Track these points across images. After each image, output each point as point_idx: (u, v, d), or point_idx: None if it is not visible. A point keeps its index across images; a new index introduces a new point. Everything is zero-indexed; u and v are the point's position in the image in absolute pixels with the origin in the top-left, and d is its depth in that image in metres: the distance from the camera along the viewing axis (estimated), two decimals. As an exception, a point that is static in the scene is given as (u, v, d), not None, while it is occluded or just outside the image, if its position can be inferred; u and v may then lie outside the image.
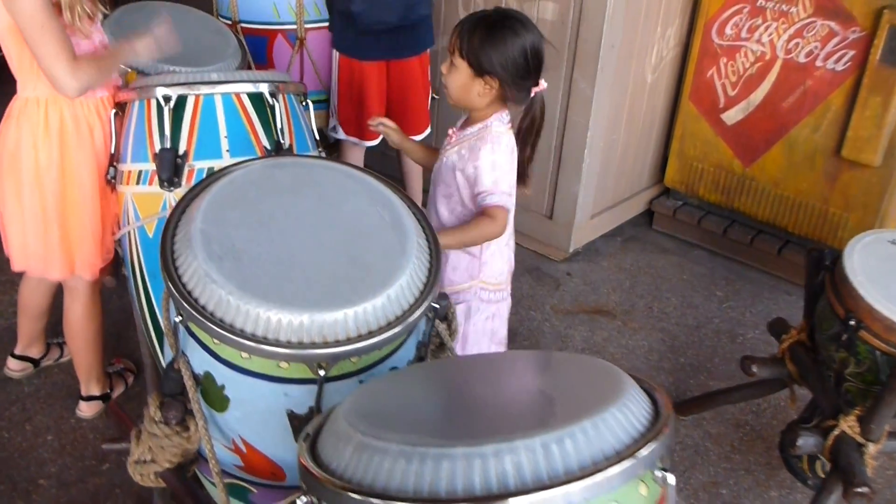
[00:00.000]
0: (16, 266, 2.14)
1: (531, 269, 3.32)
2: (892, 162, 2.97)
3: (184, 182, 1.86)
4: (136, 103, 1.93)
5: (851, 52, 2.94)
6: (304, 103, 2.09)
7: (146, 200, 1.91)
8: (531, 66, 1.87)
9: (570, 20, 2.99)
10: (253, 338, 1.23)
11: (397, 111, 2.94)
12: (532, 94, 1.90)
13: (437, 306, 1.37)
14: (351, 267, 1.33)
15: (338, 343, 1.24)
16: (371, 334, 1.26)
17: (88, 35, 1.97)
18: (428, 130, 3.12)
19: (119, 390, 2.46)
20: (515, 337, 2.89)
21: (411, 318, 1.30)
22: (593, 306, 3.11)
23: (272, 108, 1.92)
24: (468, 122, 1.99)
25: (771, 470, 2.41)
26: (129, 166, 1.93)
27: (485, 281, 2.04)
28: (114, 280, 2.07)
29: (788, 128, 3.18)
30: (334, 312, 1.24)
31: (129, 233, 1.96)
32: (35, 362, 2.52)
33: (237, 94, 1.89)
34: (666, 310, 3.13)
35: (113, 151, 2.04)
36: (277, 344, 1.22)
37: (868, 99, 2.91)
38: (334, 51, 2.89)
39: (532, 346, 2.85)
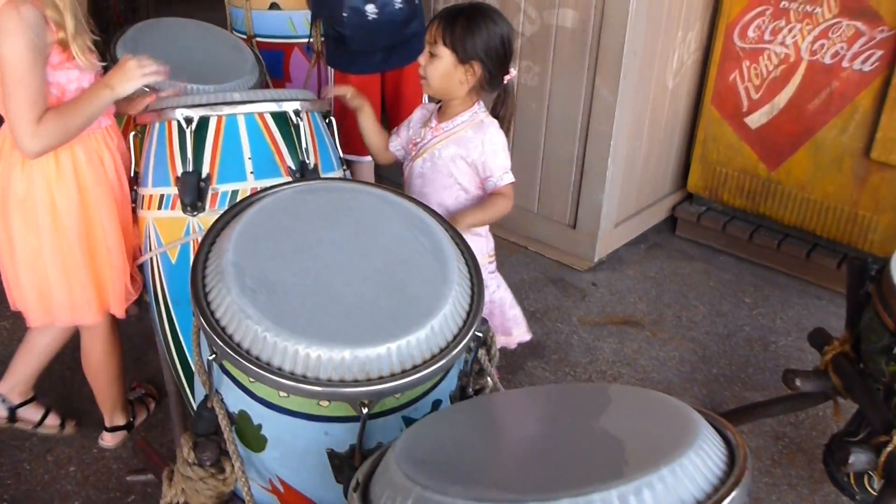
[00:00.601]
0: (35, 322, 2.01)
1: (555, 279, 3.25)
2: (924, 163, 2.90)
3: (207, 206, 1.81)
4: (157, 125, 1.87)
5: (879, 52, 2.87)
6: (328, 121, 2.03)
7: (169, 225, 1.86)
8: (508, 54, 2.01)
9: (590, 27, 2.93)
10: (292, 376, 1.16)
11: (393, 118, 2.89)
12: (504, 82, 2.04)
13: (480, 334, 1.31)
14: (391, 297, 1.26)
15: (381, 379, 1.18)
16: (416, 369, 1.20)
17: (94, 67, 1.90)
18: None
19: (141, 418, 2.40)
20: (544, 350, 2.83)
21: (456, 350, 1.24)
22: (621, 317, 3.05)
23: (297, 127, 1.86)
24: (447, 115, 2.07)
25: (814, 484, 2.33)
26: (150, 190, 1.88)
27: (490, 255, 2.23)
28: (136, 308, 2.02)
29: (815, 130, 3.11)
30: (377, 347, 1.18)
31: (151, 259, 1.90)
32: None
33: (261, 114, 1.84)
34: (695, 318, 3.06)
35: (133, 175, 1.98)
36: (318, 382, 1.16)
37: (898, 99, 2.84)
38: (329, 68, 2.85)
39: (561, 360, 2.78)
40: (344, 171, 2.05)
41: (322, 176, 1.90)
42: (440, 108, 2.12)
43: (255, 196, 1.43)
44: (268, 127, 1.85)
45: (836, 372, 2.09)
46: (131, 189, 1.98)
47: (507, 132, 2.09)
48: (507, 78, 2.04)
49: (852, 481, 2.13)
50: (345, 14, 2.61)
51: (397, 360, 1.20)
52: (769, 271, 3.37)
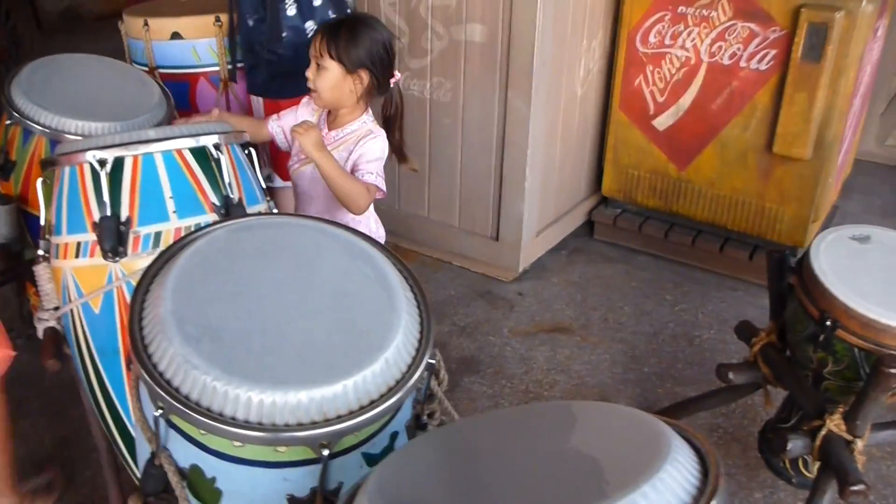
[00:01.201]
0: None
1: (482, 292, 3.26)
2: (822, 154, 3.05)
3: (130, 250, 1.72)
4: (66, 170, 1.77)
5: (773, 52, 3.01)
6: (247, 151, 1.97)
7: (89, 274, 1.76)
8: (391, 59, 2.14)
9: (499, 41, 2.96)
10: (246, 425, 1.12)
11: None
12: (391, 85, 2.17)
13: (433, 362, 1.29)
14: (341, 332, 1.23)
15: (340, 419, 1.15)
16: (373, 404, 1.17)
17: None
18: None
19: None
20: (479, 365, 2.83)
21: (412, 381, 1.22)
22: (550, 324, 3.08)
23: (217, 161, 1.80)
24: (337, 124, 2.19)
25: (751, 471, 2.41)
26: (65, 239, 1.78)
27: None
28: (58, 363, 1.90)
29: (719, 129, 3.23)
30: (332, 386, 1.15)
31: (72, 310, 1.80)
32: None
33: (179, 151, 1.76)
34: (621, 319, 3.12)
35: (43, 223, 1.87)
36: (274, 429, 1.12)
37: (794, 95, 2.98)
38: (254, 98, 2.78)
39: (496, 373, 2.78)
40: (268, 202, 2.00)
41: (248, 210, 1.85)
42: (329, 114, 2.22)
43: (186, 238, 1.38)
44: (187, 163, 1.77)
45: (766, 362, 2.16)
46: (42, 238, 1.87)
47: (399, 130, 2.24)
48: (392, 81, 2.17)
49: (787, 466, 2.21)
50: (284, 34, 2.57)
51: (354, 398, 1.17)
52: (686, 267, 3.48)
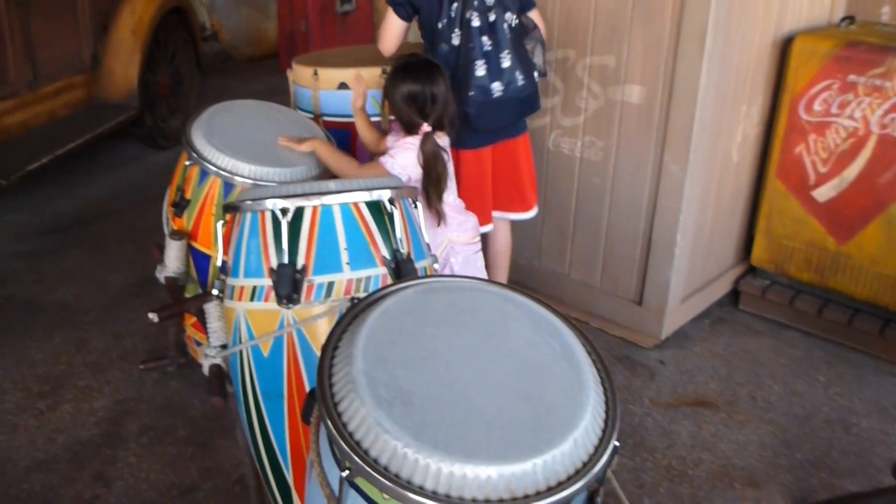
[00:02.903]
0: None
1: (621, 357, 3.17)
2: None
3: (303, 298, 1.76)
4: (248, 215, 1.84)
5: (954, 126, 2.83)
6: (415, 206, 2.00)
7: (261, 318, 1.81)
8: (416, 107, 2.44)
9: (658, 103, 2.92)
10: (434, 496, 1.09)
11: (503, 190, 2.92)
12: (419, 131, 2.43)
13: (618, 444, 1.24)
14: (530, 407, 1.20)
15: (527, 498, 1.11)
16: (561, 486, 1.13)
17: None
18: (535, 210, 3.06)
19: None
20: (619, 434, 2.73)
21: (600, 465, 1.17)
22: (693, 397, 2.95)
23: (391, 216, 1.83)
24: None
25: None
26: (242, 282, 1.84)
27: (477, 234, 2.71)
28: (222, 401, 1.96)
29: (887, 204, 3.05)
30: (523, 464, 1.11)
31: (240, 351, 1.85)
32: None
33: (355, 204, 1.80)
34: (770, 398, 2.95)
35: (220, 264, 1.95)
36: (461, 502, 1.09)
37: (977, 173, 2.78)
38: None
39: (637, 445, 2.68)
40: (433, 257, 2.01)
41: (416, 265, 1.86)
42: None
43: (374, 296, 1.39)
44: (362, 216, 1.81)
45: (948, 465, 1.99)
46: (217, 279, 1.94)
47: (429, 177, 2.45)
48: (420, 129, 2.46)
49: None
50: (471, 93, 2.62)
51: (542, 477, 1.13)
52: (840, 347, 3.27)
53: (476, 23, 2.61)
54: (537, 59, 2.77)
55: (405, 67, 2.46)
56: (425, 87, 2.41)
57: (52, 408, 2.78)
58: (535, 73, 2.76)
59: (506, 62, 2.63)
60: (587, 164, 3.19)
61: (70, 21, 4.63)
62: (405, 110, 2.44)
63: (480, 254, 2.70)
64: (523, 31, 2.73)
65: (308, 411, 1.39)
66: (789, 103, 3.20)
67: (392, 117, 2.60)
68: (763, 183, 3.39)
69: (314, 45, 7.17)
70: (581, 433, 1.18)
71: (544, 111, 3.24)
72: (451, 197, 2.59)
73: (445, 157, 2.49)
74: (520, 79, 2.66)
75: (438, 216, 2.49)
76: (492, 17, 2.63)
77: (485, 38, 2.62)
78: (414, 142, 2.43)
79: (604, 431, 1.23)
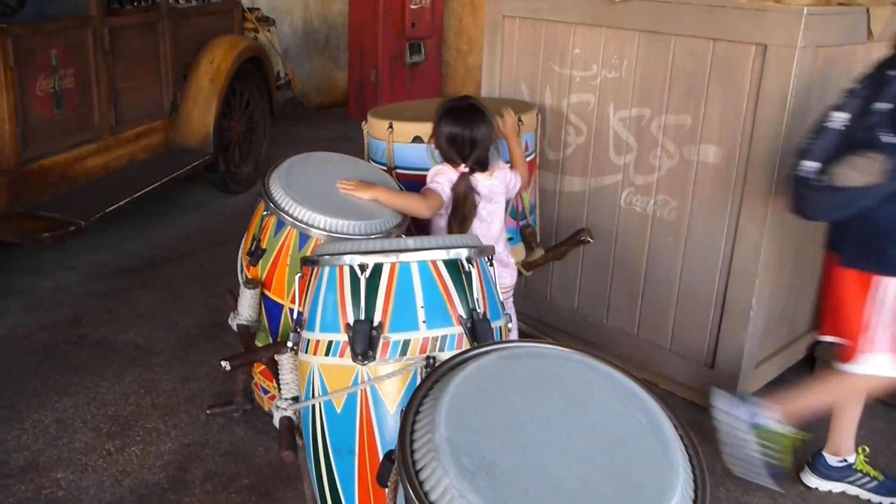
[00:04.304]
0: None
1: (691, 422, 3.07)
2: None
3: (378, 355, 1.76)
4: (326, 269, 1.85)
5: None
6: (491, 264, 1.99)
7: (335, 373, 1.81)
8: (455, 147, 2.56)
9: (735, 163, 2.87)
10: (516, 573, 1.06)
11: None
12: (458, 171, 2.57)
13: (708, 528, 1.19)
14: (615, 483, 1.16)
15: (614, 582, 1.07)
16: (650, 570, 1.08)
17: None
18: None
19: None
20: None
21: (690, 549, 1.12)
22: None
23: (468, 274, 1.82)
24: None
25: None
26: (317, 336, 1.84)
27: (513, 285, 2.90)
28: (293, 455, 1.95)
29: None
30: (610, 545, 1.07)
31: (313, 406, 1.85)
32: None
33: (433, 262, 1.80)
34: (850, 473, 2.82)
35: (295, 316, 1.96)
36: (545, 582, 1.06)
37: None
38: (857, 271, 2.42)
39: (709, 517, 2.57)
40: (507, 316, 1.99)
41: (491, 324, 1.84)
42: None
43: (455, 359, 1.37)
44: (440, 274, 1.81)
45: None
46: (294, 331, 1.95)
47: (455, 215, 2.59)
48: (458, 169, 2.59)
49: None
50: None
51: (630, 560, 1.08)
52: (924, 421, 3.12)
53: None
54: None
55: (451, 110, 2.58)
56: (465, 130, 2.53)
57: (120, 449, 2.81)
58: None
59: None
60: (660, 223, 3.15)
61: (153, 69, 4.81)
62: (447, 150, 2.57)
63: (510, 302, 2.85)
64: None
65: (384, 474, 1.37)
66: (871, 166, 3.10)
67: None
68: (842, 246, 3.29)
69: (383, 95, 7.31)
70: (671, 514, 1.13)
71: (617, 168, 3.22)
72: (500, 246, 2.71)
73: (477, 199, 2.60)
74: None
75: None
76: None
77: None
78: (451, 171, 2.58)
79: (694, 513, 1.18)
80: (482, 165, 2.61)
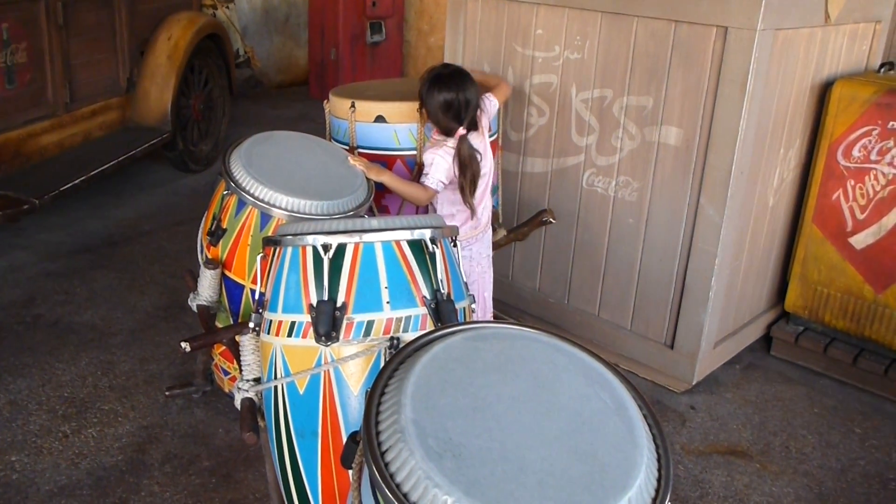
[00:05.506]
0: None
1: (651, 401, 3.12)
2: None
3: (342, 336, 1.74)
4: (289, 250, 1.83)
5: None
6: (454, 245, 1.98)
7: (298, 354, 1.79)
8: (451, 113, 2.59)
9: (696, 146, 2.89)
10: (484, 554, 1.06)
11: None
12: (456, 135, 2.60)
13: (670, 505, 1.20)
14: (581, 464, 1.17)
15: (580, 560, 1.07)
16: (615, 548, 1.09)
17: None
18: None
19: None
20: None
21: (654, 527, 1.13)
22: (726, 446, 2.89)
23: (432, 255, 1.81)
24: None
25: None
26: (279, 316, 1.82)
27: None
28: (255, 436, 1.93)
29: (927, 254, 3.00)
30: (576, 525, 1.08)
31: (275, 387, 1.83)
32: None
33: (397, 242, 1.79)
34: (804, 449, 2.89)
35: (257, 297, 1.94)
36: (512, 562, 1.06)
37: None
38: None
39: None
40: (471, 296, 1.98)
41: (455, 305, 1.84)
42: None
43: (420, 340, 1.36)
44: (404, 255, 1.80)
45: None
46: (255, 312, 1.93)
47: (465, 178, 2.62)
48: (456, 133, 2.62)
49: None
50: None
51: (596, 539, 1.09)
52: (877, 398, 3.21)
53: None
54: None
55: (438, 78, 2.61)
56: (458, 94, 2.58)
57: (76, 431, 2.76)
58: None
59: None
60: (621, 204, 3.17)
61: (108, 44, 4.68)
62: (442, 118, 2.60)
63: (489, 268, 2.93)
64: None
65: (349, 455, 1.36)
66: (827, 148, 3.16)
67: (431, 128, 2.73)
68: (799, 228, 3.35)
69: (344, 74, 7.23)
70: (635, 494, 1.14)
71: (579, 149, 3.23)
72: (490, 201, 2.85)
73: (479, 157, 2.64)
74: None
75: (472, 210, 2.69)
76: None
77: None
78: (447, 150, 2.60)
79: (657, 491, 1.19)
80: (474, 125, 2.66)
